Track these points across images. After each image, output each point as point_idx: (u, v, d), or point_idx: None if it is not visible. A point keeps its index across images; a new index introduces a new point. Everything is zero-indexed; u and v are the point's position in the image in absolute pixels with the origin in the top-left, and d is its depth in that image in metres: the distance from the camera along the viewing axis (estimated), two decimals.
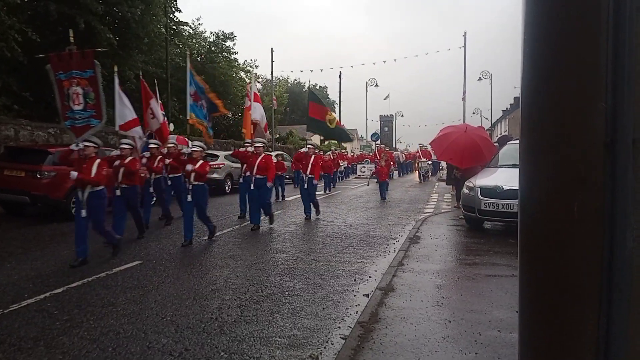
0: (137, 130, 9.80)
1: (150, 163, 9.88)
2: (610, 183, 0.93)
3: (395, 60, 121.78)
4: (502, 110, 57.96)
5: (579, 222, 0.96)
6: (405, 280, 5.72)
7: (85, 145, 6.68)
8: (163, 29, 20.56)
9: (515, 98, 51.22)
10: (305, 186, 11.20)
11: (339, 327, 4.32)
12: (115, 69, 9.69)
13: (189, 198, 7.95)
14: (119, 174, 7.97)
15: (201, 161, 8.16)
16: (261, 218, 9.76)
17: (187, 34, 28.40)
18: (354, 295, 5.29)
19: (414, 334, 4.04)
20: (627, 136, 0.92)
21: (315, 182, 11.29)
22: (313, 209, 11.32)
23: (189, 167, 7.96)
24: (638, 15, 0.90)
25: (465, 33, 31.48)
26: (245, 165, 10.53)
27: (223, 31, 31.48)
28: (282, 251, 7.62)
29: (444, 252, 7.38)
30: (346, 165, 27.67)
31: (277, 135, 38.20)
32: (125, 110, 9.53)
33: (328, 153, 22.58)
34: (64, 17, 15.52)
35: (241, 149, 11.82)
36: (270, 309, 4.78)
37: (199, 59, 28.25)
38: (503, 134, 40.95)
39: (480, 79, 38.77)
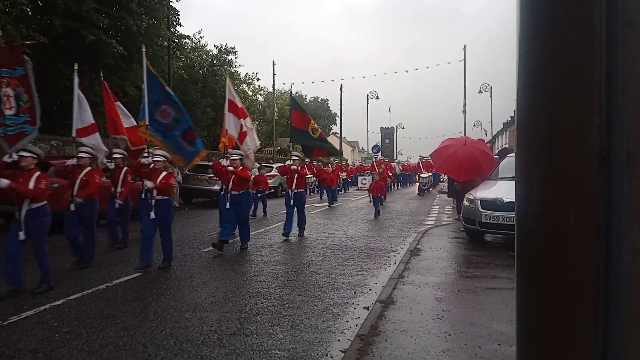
0: (96, 137, 9.01)
1: (117, 175, 8.90)
2: (605, 196, 0.94)
3: (396, 72, 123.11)
4: (503, 123, 58.16)
5: (575, 235, 0.97)
6: (405, 293, 5.69)
7: (21, 156, 5.74)
8: (165, 42, 20.73)
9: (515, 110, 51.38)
10: (292, 202, 10.11)
11: (339, 340, 4.29)
12: (76, 67, 8.80)
13: (152, 215, 7.11)
14: (74, 186, 7.15)
15: (164, 172, 7.31)
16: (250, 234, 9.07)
17: (188, 47, 28.65)
18: (354, 308, 5.26)
19: (413, 347, 4.01)
20: (621, 150, 0.93)
21: (303, 195, 10.41)
22: (303, 225, 10.48)
23: (148, 183, 7.09)
24: (630, 30, 0.92)
25: (465, 46, 31.71)
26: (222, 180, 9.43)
27: (226, 44, 31.85)
28: (282, 263, 7.60)
29: (445, 265, 7.35)
30: (345, 177, 27.56)
31: (279, 148, 38.34)
32: (84, 114, 8.68)
33: (328, 165, 22.55)
34: (68, 31, 15.67)
35: (220, 161, 10.63)
36: (269, 322, 4.75)
37: (200, 72, 28.47)
38: (503, 146, 41.11)
39: (480, 91, 38.91)
